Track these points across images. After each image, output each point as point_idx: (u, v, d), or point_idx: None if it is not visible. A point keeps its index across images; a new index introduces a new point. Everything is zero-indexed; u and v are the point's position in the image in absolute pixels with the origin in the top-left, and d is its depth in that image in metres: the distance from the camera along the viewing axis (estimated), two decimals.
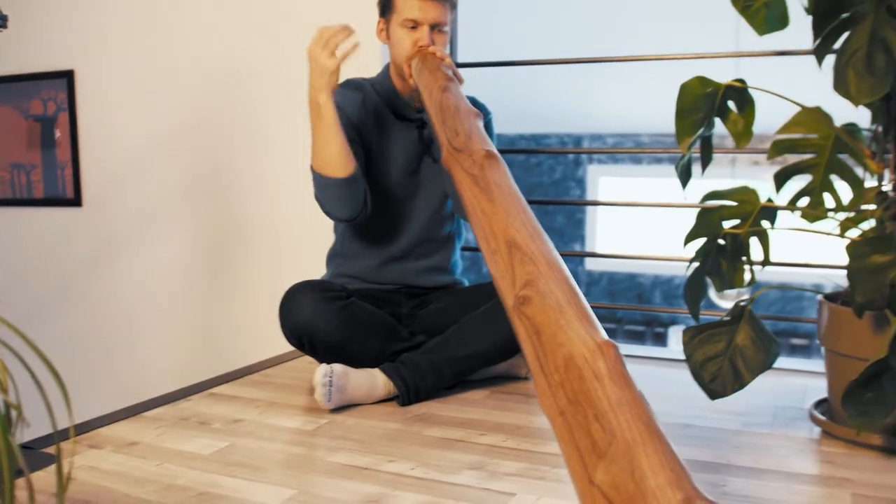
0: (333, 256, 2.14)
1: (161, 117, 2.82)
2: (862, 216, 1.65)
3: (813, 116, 1.70)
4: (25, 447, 1.56)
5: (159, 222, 2.88)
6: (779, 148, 1.79)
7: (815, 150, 1.76)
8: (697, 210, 1.69)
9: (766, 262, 1.74)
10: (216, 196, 2.77)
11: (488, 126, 2.14)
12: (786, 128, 1.79)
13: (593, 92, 6.21)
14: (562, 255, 1.20)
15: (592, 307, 1.07)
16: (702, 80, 1.63)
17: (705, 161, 1.68)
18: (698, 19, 4.29)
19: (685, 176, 1.63)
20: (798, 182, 1.79)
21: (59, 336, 3.12)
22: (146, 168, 2.87)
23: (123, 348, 3.00)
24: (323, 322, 1.79)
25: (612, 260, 7.57)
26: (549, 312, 1.06)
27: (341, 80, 1.90)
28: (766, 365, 1.46)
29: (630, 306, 7.96)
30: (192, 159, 2.79)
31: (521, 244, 1.20)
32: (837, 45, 1.44)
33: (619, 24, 5.23)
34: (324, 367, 1.72)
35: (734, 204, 1.71)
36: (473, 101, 2.15)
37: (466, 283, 2.21)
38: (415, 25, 1.93)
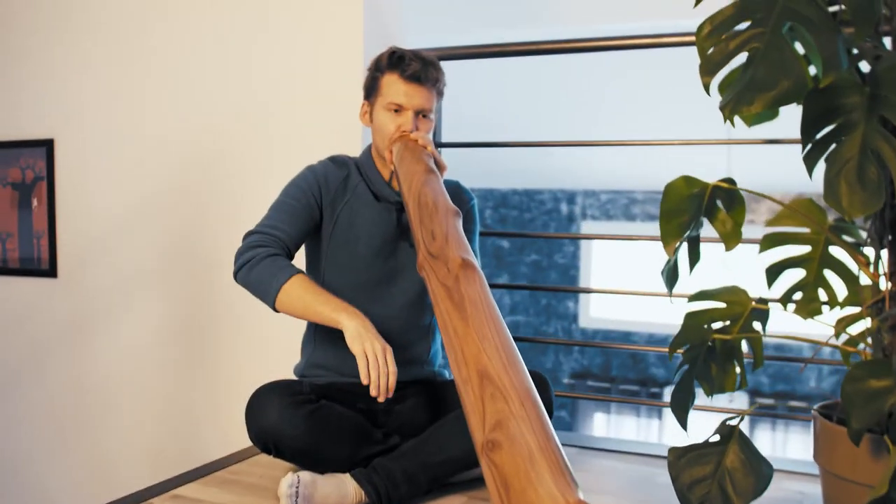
0: (306, 343, 2.06)
1: (139, 187, 2.76)
2: (858, 315, 1.57)
3: (805, 208, 1.64)
4: None
5: (134, 296, 2.80)
6: (770, 241, 1.72)
7: (808, 243, 1.70)
8: (683, 313, 1.62)
9: (758, 364, 1.67)
10: (191, 271, 2.70)
11: (471, 213, 2.07)
12: (777, 220, 1.72)
13: (587, 148, 6.21)
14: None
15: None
16: (687, 180, 1.57)
17: (693, 262, 1.61)
18: (690, 98, 4.28)
19: (672, 280, 1.56)
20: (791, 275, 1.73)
21: (29, 407, 3.02)
22: (122, 239, 2.80)
23: (95, 423, 2.89)
24: (289, 427, 1.70)
25: (606, 318, 7.48)
26: (518, 462, 0.98)
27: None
28: (758, 490, 1.36)
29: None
30: (168, 231, 2.72)
31: (494, 376, 1.12)
32: (828, 153, 1.38)
33: (613, 94, 5.25)
34: (289, 478, 1.62)
35: (723, 305, 1.63)
36: (457, 187, 2.10)
37: (447, 376, 2.12)
38: (399, 109, 1.88)
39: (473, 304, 1.26)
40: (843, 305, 1.67)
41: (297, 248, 1.91)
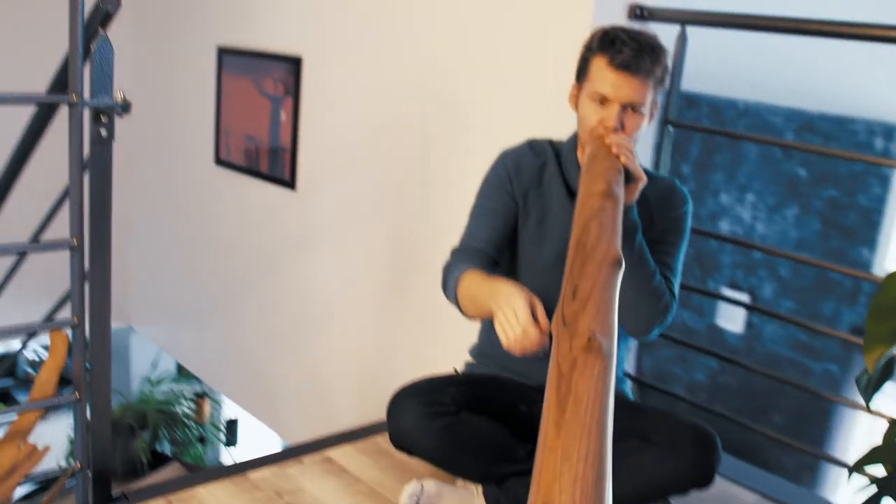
0: (483, 327, 1.96)
1: (373, 115, 2.75)
2: None
3: None
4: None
5: (358, 219, 2.86)
6: None
7: None
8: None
9: None
10: (416, 198, 2.66)
11: (679, 221, 1.78)
12: None
13: None
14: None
15: None
16: None
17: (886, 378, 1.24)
18: None
19: (870, 392, 1.21)
20: None
21: (260, 307, 3.28)
22: (353, 164, 2.84)
23: (312, 333, 3.08)
24: (423, 438, 1.63)
25: None
26: None
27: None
28: None
29: None
30: (394, 163, 2.70)
31: None
32: None
33: None
34: (412, 486, 1.58)
35: None
36: (669, 187, 1.80)
37: (628, 393, 1.92)
38: (604, 101, 1.62)
39: (578, 404, 1.06)
40: None
41: (502, 248, 1.77)
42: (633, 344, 2.26)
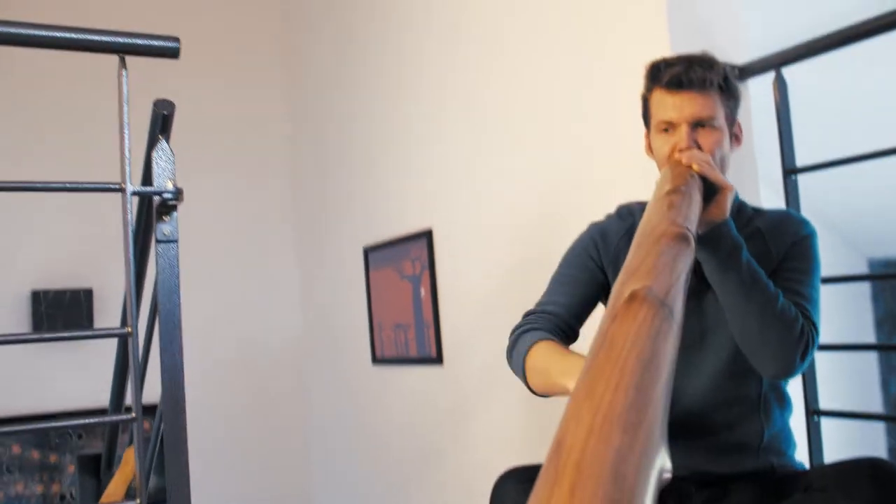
0: None
1: (505, 269, 2.69)
2: None
3: None
4: None
5: (504, 381, 2.69)
6: None
7: None
8: None
9: None
10: None
11: (798, 246, 1.51)
12: None
13: None
14: None
15: None
16: None
17: None
18: None
19: None
20: None
21: (420, 491, 3.08)
22: (493, 318, 2.74)
23: None
24: None
25: None
26: None
27: None
28: None
29: None
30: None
31: (567, 446, 0.71)
32: None
33: None
34: None
35: None
36: (784, 217, 1.58)
37: (794, 464, 1.54)
38: (669, 127, 1.49)
39: (611, 348, 0.84)
40: None
41: (581, 318, 1.59)
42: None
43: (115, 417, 1.58)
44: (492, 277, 2.74)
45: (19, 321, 3.44)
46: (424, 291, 3.06)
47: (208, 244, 3.82)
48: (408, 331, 3.18)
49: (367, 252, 3.46)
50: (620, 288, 0.98)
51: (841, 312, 4.25)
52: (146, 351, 1.96)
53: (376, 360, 3.43)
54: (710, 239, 1.39)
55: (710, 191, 1.39)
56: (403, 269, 3.19)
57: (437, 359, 2.99)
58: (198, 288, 3.59)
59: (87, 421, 1.67)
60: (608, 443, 0.69)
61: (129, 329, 1.40)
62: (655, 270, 1.00)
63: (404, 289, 3.19)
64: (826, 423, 1.90)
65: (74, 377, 3.48)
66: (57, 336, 1.87)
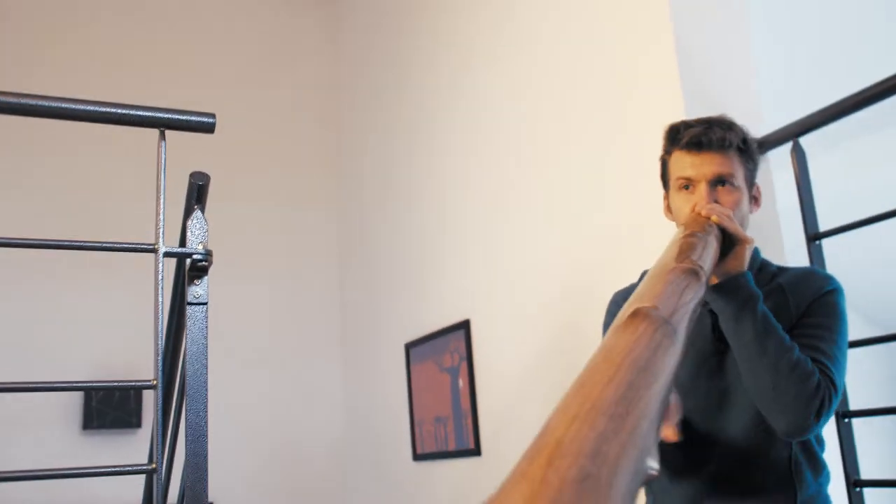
0: (648, 485, 1.63)
1: (537, 351, 2.68)
2: None
3: None
4: None
5: None
6: None
7: None
8: None
9: None
10: None
11: (820, 301, 1.48)
12: None
13: None
14: None
15: None
16: None
17: None
18: None
19: None
20: None
21: None
22: (526, 409, 2.70)
23: None
24: None
25: None
26: None
27: None
28: None
29: None
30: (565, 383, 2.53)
31: (566, 442, 0.71)
32: None
33: None
34: None
35: None
36: (808, 273, 1.57)
37: None
38: (689, 185, 1.51)
39: (609, 354, 0.84)
40: None
41: None
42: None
43: None
44: (525, 361, 2.73)
45: (69, 417, 3.49)
46: (462, 382, 3.04)
47: (252, 341, 3.88)
48: (447, 423, 3.14)
49: (409, 347, 3.47)
50: (626, 309, 0.98)
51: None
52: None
53: (416, 456, 3.37)
54: (727, 288, 1.38)
55: (729, 244, 1.39)
56: (443, 361, 3.19)
57: (476, 450, 2.94)
58: (239, 392, 3.64)
59: None
60: (592, 426, 0.69)
61: (154, 465, 1.41)
62: (663, 295, 1.01)
63: (443, 381, 3.18)
64: (873, 494, 1.80)
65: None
66: (76, 472, 1.89)
